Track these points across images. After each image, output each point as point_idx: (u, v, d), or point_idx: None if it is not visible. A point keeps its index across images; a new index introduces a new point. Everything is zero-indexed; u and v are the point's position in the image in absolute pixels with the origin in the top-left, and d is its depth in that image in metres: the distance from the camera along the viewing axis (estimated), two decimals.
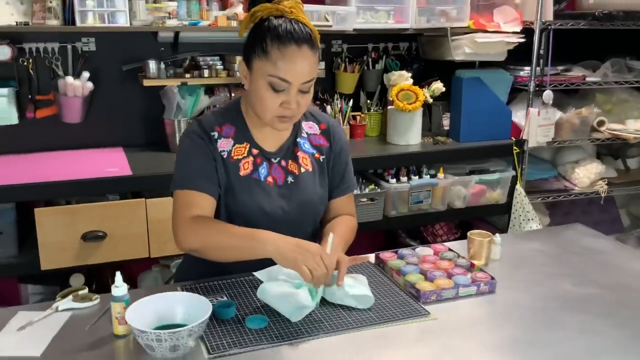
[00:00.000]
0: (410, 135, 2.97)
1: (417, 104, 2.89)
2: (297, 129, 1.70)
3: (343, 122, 3.06)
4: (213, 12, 2.75)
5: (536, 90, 3.05)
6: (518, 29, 3.00)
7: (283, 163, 1.66)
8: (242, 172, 1.61)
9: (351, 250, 1.66)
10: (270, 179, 1.63)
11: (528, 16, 3.01)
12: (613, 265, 1.78)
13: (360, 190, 2.78)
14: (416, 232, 3.31)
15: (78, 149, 2.83)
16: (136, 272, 2.93)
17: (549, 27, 2.96)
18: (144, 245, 2.48)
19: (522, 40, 3.01)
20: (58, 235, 2.36)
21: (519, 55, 3.08)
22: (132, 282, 2.82)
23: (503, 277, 1.64)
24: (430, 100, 2.98)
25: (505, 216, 3.15)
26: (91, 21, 2.53)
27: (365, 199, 2.77)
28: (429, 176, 2.90)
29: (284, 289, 1.43)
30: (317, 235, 1.72)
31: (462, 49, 2.98)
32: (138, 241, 2.47)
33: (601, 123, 3.26)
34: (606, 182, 3.33)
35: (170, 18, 2.63)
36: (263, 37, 1.48)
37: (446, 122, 3.18)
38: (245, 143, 1.63)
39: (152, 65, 2.72)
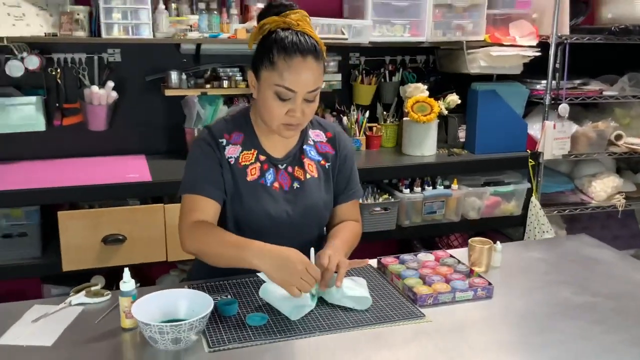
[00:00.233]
0: (425, 146, 3.01)
1: (432, 115, 2.93)
2: (303, 137, 1.76)
3: (359, 133, 3.12)
4: (233, 24, 2.84)
5: (552, 103, 3.07)
6: (534, 43, 3.03)
7: (289, 169, 1.72)
8: (249, 178, 1.67)
9: (363, 258, 1.67)
10: (276, 184, 1.69)
11: (544, 30, 3.05)
12: (614, 275, 1.78)
13: (374, 200, 2.82)
14: (431, 242, 3.33)
15: (102, 156, 2.93)
16: (155, 275, 3.01)
17: (565, 41, 2.98)
18: (161, 249, 2.57)
19: (538, 54, 3.04)
20: (80, 238, 2.46)
21: (535, 68, 3.10)
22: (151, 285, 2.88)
23: (502, 283, 1.66)
24: (446, 112, 3.02)
25: (520, 228, 3.17)
26: (116, 33, 2.63)
27: (378, 209, 2.81)
28: (442, 187, 2.93)
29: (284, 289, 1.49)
30: (323, 240, 1.77)
31: (477, 62, 3.02)
32: (156, 245, 2.56)
33: (619, 137, 3.26)
34: (624, 196, 3.32)
35: (191, 30, 2.73)
36: (270, 48, 1.55)
37: (462, 134, 3.21)
38: (253, 150, 1.69)
39: (173, 75, 2.83)
